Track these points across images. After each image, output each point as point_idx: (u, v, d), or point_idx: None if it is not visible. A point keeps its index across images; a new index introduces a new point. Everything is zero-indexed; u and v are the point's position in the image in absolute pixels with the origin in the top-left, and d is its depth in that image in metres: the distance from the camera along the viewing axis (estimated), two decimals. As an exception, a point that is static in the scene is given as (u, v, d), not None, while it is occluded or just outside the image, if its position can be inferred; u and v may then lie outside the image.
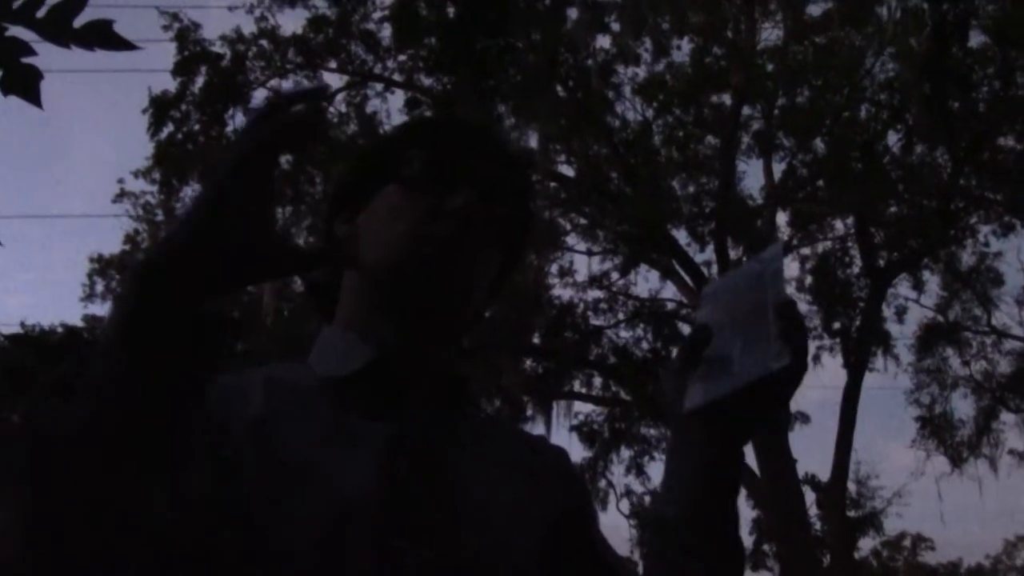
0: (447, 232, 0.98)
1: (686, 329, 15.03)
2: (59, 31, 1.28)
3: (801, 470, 13.55)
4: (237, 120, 13.41)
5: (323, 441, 0.91)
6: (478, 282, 1.03)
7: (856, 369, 13.32)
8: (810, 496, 15.47)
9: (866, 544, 23.82)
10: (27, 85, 1.33)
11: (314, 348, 1.05)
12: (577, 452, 15.19)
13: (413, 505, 0.90)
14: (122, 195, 15.72)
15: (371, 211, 1.04)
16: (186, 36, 13.12)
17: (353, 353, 0.99)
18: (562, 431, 15.57)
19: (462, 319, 1.06)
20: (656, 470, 16.25)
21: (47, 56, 1.34)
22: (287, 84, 13.88)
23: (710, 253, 13.70)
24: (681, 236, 13.47)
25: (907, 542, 30.66)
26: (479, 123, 1.17)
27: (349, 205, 1.09)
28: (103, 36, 1.29)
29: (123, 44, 1.30)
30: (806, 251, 15.00)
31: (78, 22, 1.30)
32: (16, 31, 1.33)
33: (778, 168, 14.19)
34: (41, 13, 1.29)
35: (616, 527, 16.85)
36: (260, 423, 0.90)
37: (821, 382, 25.74)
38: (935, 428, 15.46)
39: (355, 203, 1.08)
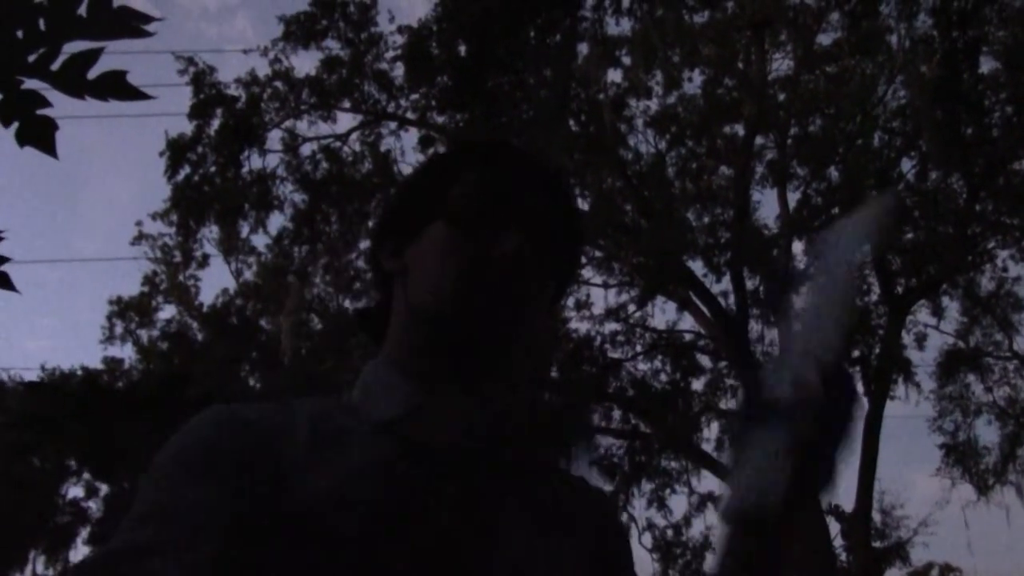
0: (497, 279, 0.97)
1: (705, 361, 14.98)
2: (74, 83, 1.30)
3: (825, 501, 13.40)
4: (253, 161, 13.55)
5: (362, 482, 0.89)
6: (529, 321, 1.01)
7: (877, 397, 13.21)
8: (835, 527, 15.30)
9: (893, 575, 23.48)
10: (42, 136, 1.35)
11: (359, 382, 1.03)
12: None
13: (453, 555, 0.89)
14: (140, 237, 15.89)
15: (420, 248, 1.02)
16: (201, 79, 13.29)
17: (397, 393, 0.98)
18: (582, 465, 15.45)
19: (512, 358, 1.03)
20: (677, 503, 16.13)
21: (65, 101, 1.36)
22: (301, 125, 14.02)
23: (727, 283, 13.68)
24: (697, 267, 13.45)
25: (935, 572, 30.19)
26: (526, 152, 1.13)
27: (396, 236, 1.07)
28: (117, 87, 1.31)
29: (136, 94, 1.32)
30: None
31: (93, 72, 1.32)
32: (32, 83, 1.35)
33: (793, 197, 14.18)
34: (56, 65, 1.31)
35: (639, 560, 16.67)
36: (307, 458, 0.90)
37: (842, 411, 25.57)
38: (960, 456, 15.29)
39: (402, 235, 1.06)
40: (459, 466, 0.94)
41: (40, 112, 1.35)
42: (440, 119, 13.02)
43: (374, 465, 0.91)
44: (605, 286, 14.73)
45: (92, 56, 1.30)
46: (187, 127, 13.27)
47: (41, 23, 1.26)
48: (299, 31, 13.36)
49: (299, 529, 0.85)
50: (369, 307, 1.12)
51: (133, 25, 1.28)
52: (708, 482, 15.80)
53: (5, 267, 1.43)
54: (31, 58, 1.30)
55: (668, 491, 15.74)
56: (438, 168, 1.09)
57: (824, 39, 13.57)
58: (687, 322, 14.67)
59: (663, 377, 14.69)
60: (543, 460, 1.05)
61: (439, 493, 0.91)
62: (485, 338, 0.98)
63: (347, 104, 13.97)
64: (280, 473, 0.88)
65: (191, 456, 0.88)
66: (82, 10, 1.28)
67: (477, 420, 0.98)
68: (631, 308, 14.82)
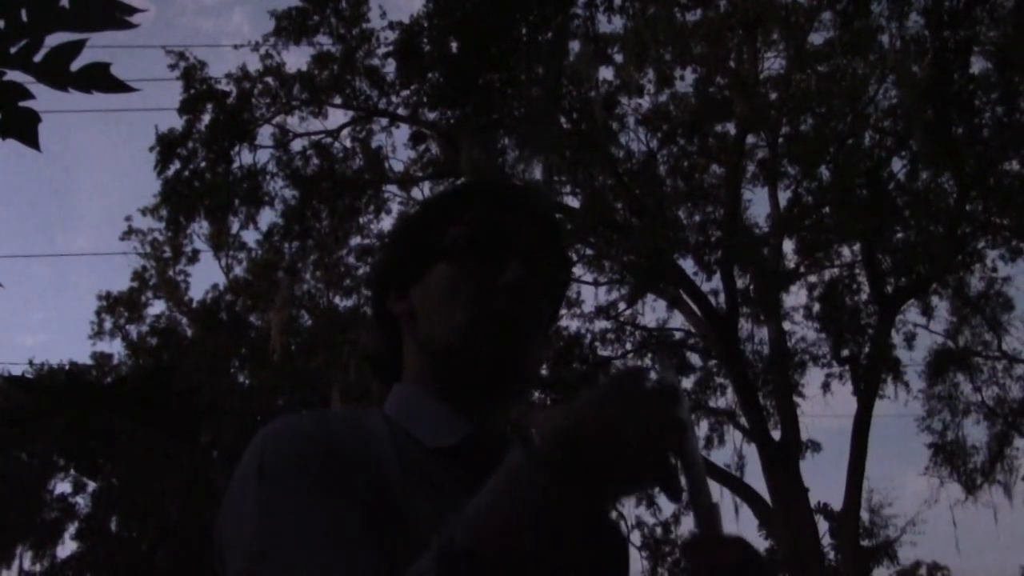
0: (503, 307, 1.03)
1: (694, 359, 15.00)
2: (56, 75, 1.28)
3: (813, 499, 13.45)
4: (243, 157, 13.50)
5: (443, 515, 0.90)
6: (534, 344, 1.07)
7: (866, 397, 13.24)
8: (823, 526, 15.38)
9: (881, 574, 23.59)
10: (25, 128, 1.33)
11: (397, 405, 1.07)
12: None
13: None
14: (130, 232, 15.83)
15: (425, 290, 1.08)
16: (192, 74, 13.23)
17: (445, 421, 1.03)
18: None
19: (524, 380, 1.09)
20: (666, 501, 16.15)
21: (54, 96, 1.35)
22: (292, 121, 13.98)
23: (717, 282, 13.70)
24: (688, 265, 13.47)
25: (923, 571, 30.32)
26: (511, 186, 1.20)
27: (398, 281, 1.13)
28: (100, 79, 1.29)
29: (121, 87, 1.30)
30: (813, 279, 14.98)
31: (76, 64, 1.31)
32: (14, 75, 1.33)
33: (783, 196, 14.21)
34: (38, 57, 1.29)
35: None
36: (401, 483, 0.93)
37: (831, 410, 25.70)
38: (948, 455, 15.34)
39: (405, 279, 1.12)
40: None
41: (23, 104, 1.34)
42: (431, 116, 13.00)
43: (442, 496, 0.94)
44: (595, 284, 14.76)
45: (75, 48, 1.28)
46: (177, 122, 13.22)
47: (23, 14, 1.25)
48: (291, 26, 13.32)
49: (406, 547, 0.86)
50: (377, 350, 1.17)
51: (117, 17, 1.26)
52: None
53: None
54: (13, 50, 1.28)
55: (657, 489, 15.75)
56: (434, 212, 1.15)
57: (816, 38, 13.60)
58: (677, 320, 14.71)
59: (653, 375, 14.68)
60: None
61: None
62: (502, 364, 1.03)
63: (338, 100, 13.95)
64: (384, 487, 0.91)
65: (310, 466, 0.89)
66: (65, 1, 1.26)
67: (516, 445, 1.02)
68: (621, 306, 14.85)
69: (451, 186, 1.23)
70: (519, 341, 1.04)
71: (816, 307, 14.82)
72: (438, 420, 1.03)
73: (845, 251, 14.64)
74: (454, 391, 1.05)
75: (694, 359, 15.02)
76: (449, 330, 1.04)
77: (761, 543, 16.65)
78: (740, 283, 13.63)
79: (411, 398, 1.07)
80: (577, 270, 14.61)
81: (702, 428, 15.21)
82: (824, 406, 20.79)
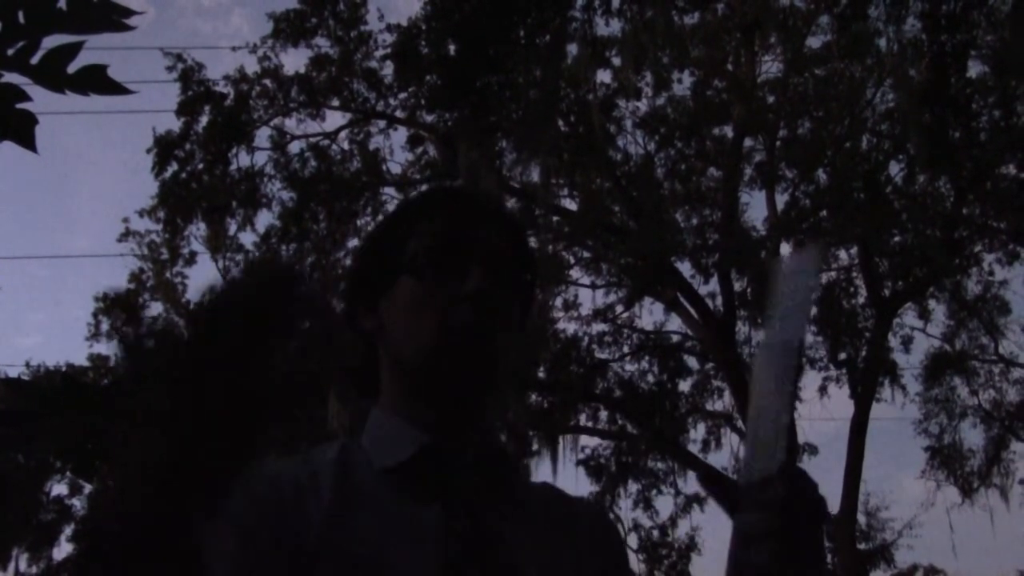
0: (467, 317, 1.03)
1: (692, 362, 15.00)
2: (53, 77, 1.28)
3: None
4: (241, 159, 13.49)
5: (388, 535, 0.96)
6: (504, 349, 1.07)
7: (863, 400, 13.24)
8: (820, 529, 15.30)
9: (878, 577, 23.54)
10: (22, 131, 1.34)
11: (366, 430, 1.10)
12: (584, 486, 15.10)
13: None
14: (127, 234, 15.79)
15: (392, 303, 1.09)
16: (190, 76, 13.22)
17: (404, 439, 1.04)
18: (568, 465, 15.50)
19: (495, 388, 1.10)
20: (663, 504, 16.16)
21: (51, 98, 1.35)
22: (290, 123, 13.97)
23: (714, 285, 13.70)
24: (685, 268, 13.46)
25: (919, 574, 30.30)
26: (469, 192, 1.24)
27: (367, 295, 1.14)
28: (97, 81, 1.29)
29: (117, 89, 1.31)
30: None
31: (73, 66, 1.31)
32: (11, 77, 1.33)
33: (781, 199, 14.21)
34: (36, 59, 1.30)
35: (625, 562, 16.66)
36: (333, 515, 0.96)
37: (828, 413, 25.68)
38: (945, 458, 15.35)
39: (373, 292, 1.13)
40: (459, 503, 1.00)
41: (20, 106, 1.34)
42: (429, 118, 13.00)
43: (386, 512, 0.98)
44: (593, 287, 14.74)
45: (72, 50, 1.28)
46: (175, 124, 13.21)
47: (20, 16, 1.25)
48: (289, 28, 13.31)
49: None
50: (354, 365, 1.18)
51: (114, 19, 1.27)
52: (694, 483, 15.83)
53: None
54: (10, 52, 1.28)
55: (654, 492, 15.76)
56: (395, 224, 1.16)
57: (813, 42, 13.61)
58: (674, 323, 14.69)
59: (650, 378, 14.71)
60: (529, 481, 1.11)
61: (447, 529, 0.97)
62: (471, 373, 1.04)
63: (336, 102, 13.94)
64: (305, 517, 0.95)
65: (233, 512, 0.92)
66: (62, 3, 1.26)
67: (473, 456, 1.06)
68: (619, 309, 14.84)
69: (411, 197, 1.24)
70: (486, 349, 1.04)
71: (813, 310, 14.81)
72: (394, 438, 1.05)
73: (842, 254, 14.65)
74: (425, 403, 1.06)
75: (691, 362, 15.03)
76: (414, 346, 1.05)
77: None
78: (738, 286, 13.63)
79: (376, 420, 1.09)
80: (574, 273, 14.62)
81: (699, 431, 15.22)
82: (821, 409, 20.87)
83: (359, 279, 1.17)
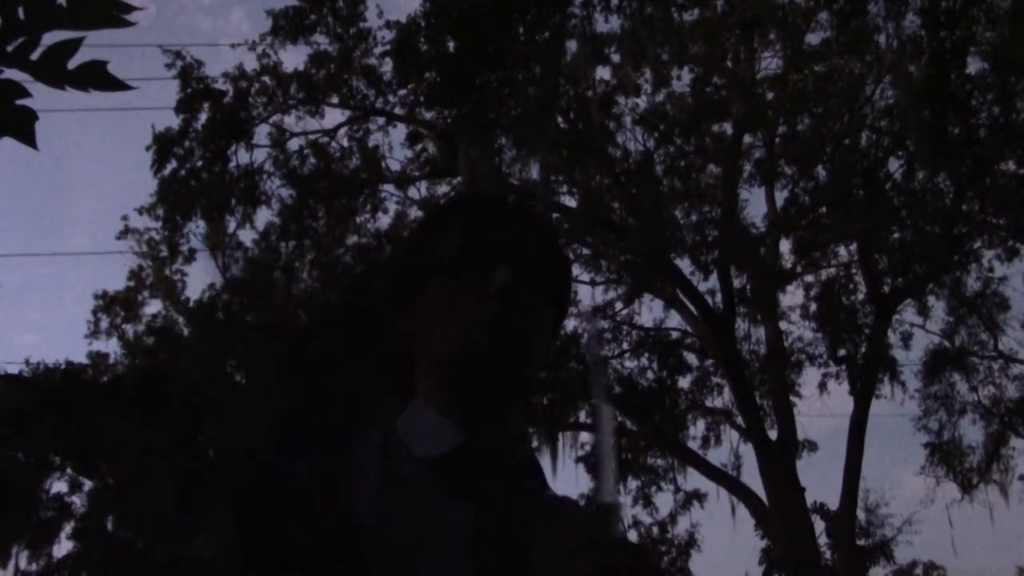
0: (494, 314, 1.06)
1: (691, 358, 15.01)
2: (53, 73, 1.28)
3: (810, 499, 13.43)
4: (240, 156, 13.48)
5: (425, 523, 0.98)
6: (534, 348, 1.10)
7: (863, 396, 13.25)
8: (819, 525, 15.32)
9: (877, 573, 23.58)
10: (22, 127, 1.33)
11: (402, 418, 1.11)
12: (583, 483, 15.10)
13: None
14: (126, 232, 15.79)
15: (425, 305, 1.12)
16: (189, 73, 13.21)
17: (442, 433, 1.06)
18: (568, 462, 15.49)
19: (523, 387, 1.12)
20: (663, 500, 16.17)
21: (51, 95, 1.35)
22: (289, 120, 13.96)
23: (714, 282, 13.70)
24: (684, 265, 13.46)
25: (919, 571, 30.34)
26: (502, 195, 1.27)
27: (402, 296, 1.17)
28: (97, 77, 1.29)
29: (117, 85, 1.30)
30: (810, 278, 14.99)
31: (73, 62, 1.30)
32: (11, 73, 1.33)
33: (780, 196, 14.21)
34: (36, 55, 1.29)
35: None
36: (379, 492, 0.99)
37: (828, 410, 25.73)
38: (944, 455, 15.36)
39: (407, 294, 1.16)
40: (500, 507, 1.03)
41: (20, 102, 1.34)
42: (428, 115, 12.99)
43: (423, 503, 1.00)
44: (592, 283, 14.75)
45: (72, 46, 1.28)
46: (174, 121, 13.20)
47: (20, 12, 1.25)
48: (288, 25, 13.30)
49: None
50: (388, 365, 1.21)
51: (115, 15, 1.26)
52: (694, 480, 15.84)
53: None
54: (10, 48, 1.28)
55: (654, 488, 15.77)
56: (427, 227, 1.20)
57: (813, 38, 13.60)
58: (674, 320, 14.70)
59: (650, 375, 14.71)
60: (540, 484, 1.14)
61: (485, 533, 1.00)
62: (497, 373, 1.07)
63: (335, 99, 13.93)
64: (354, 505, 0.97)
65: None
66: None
67: (506, 460, 1.08)
68: (618, 306, 14.84)
69: (444, 200, 1.27)
70: (514, 346, 1.06)
71: (813, 307, 14.83)
72: (433, 431, 1.07)
73: (842, 251, 14.65)
74: (456, 401, 1.08)
75: (691, 359, 15.03)
76: (446, 341, 1.07)
77: (757, 543, 16.69)
78: (737, 283, 13.64)
79: (413, 413, 1.11)
80: (574, 270, 14.56)
81: (699, 427, 15.23)
82: (821, 406, 20.96)
83: (394, 282, 1.20)
